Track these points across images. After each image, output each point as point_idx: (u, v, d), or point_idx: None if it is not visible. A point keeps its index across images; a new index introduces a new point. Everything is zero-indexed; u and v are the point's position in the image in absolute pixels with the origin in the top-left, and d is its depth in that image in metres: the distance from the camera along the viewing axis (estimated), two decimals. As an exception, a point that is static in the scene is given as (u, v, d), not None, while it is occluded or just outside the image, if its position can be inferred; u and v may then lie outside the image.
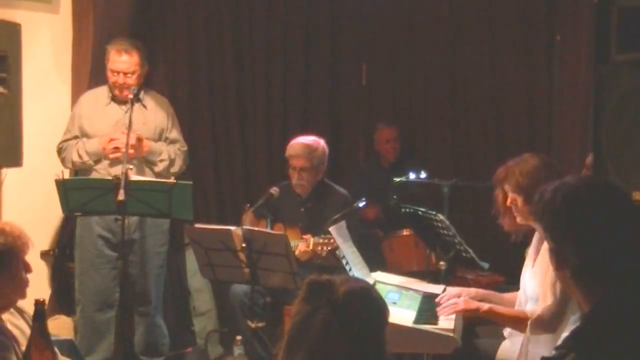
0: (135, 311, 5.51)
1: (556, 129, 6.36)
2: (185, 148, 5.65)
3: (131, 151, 5.04)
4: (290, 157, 5.59)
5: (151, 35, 5.99)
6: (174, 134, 5.62)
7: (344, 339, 2.13)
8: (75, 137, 5.43)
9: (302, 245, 5.22)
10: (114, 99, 5.47)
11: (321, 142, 5.63)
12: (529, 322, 3.65)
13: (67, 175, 5.00)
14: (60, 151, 5.48)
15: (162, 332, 5.61)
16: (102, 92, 5.49)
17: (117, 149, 5.19)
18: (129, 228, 5.31)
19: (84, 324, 5.42)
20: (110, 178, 4.70)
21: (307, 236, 5.21)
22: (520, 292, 3.98)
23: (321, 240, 5.07)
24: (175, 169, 5.54)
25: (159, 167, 5.44)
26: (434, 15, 7.03)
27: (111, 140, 5.24)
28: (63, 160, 5.45)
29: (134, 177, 4.72)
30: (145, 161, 5.41)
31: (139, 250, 5.44)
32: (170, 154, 5.49)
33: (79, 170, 5.51)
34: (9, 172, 5.30)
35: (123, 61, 5.40)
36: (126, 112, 5.31)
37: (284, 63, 7.03)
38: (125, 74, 5.39)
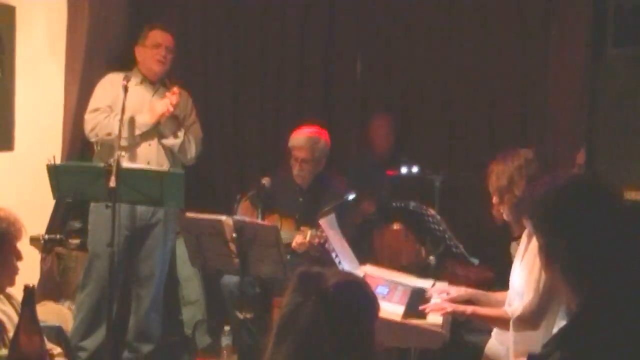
0: (136, 296, 5.56)
1: (550, 123, 6.35)
2: (201, 135, 5.76)
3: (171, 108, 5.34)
4: (292, 147, 5.60)
5: (147, 20, 5.95)
6: (192, 119, 5.73)
7: (332, 331, 2.13)
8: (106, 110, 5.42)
9: (299, 237, 5.22)
10: (143, 80, 5.54)
11: (324, 134, 5.65)
12: (511, 321, 3.68)
13: (58, 160, 4.97)
14: (90, 121, 5.42)
15: (156, 319, 5.63)
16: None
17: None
18: (147, 214, 5.43)
19: (86, 309, 5.42)
20: (102, 165, 4.68)
21: (305, 228, 5.21)
22: (510, 289, 3.99)
23: (318, 233, 5.07)
24: (192, 153, 5.63)
25: (172, 141, 5.52)
26: (429, 8, 7.00)
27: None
28: (94, 129, 5.39)
29: (126, 164, 4.71)
30: (159, 134, 5.48)
31: (153, 235, 5.51)
32: (187, 138, 5.59)
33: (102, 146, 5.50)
34: (0, 156, 5.27)
35: (166, 36, 5.56)
36: (153, 94, 5.51)
37: (279, 54, 7.00)
38: (167, 47, 5.53)
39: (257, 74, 6.96)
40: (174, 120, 5.53)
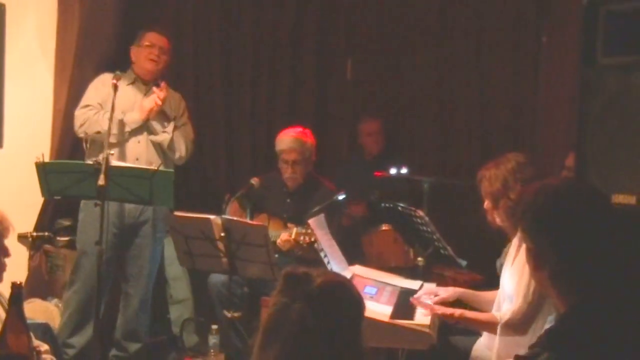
0: (124, 294, 5.55)
1: (541, 129, 6.36)
2: (192, 136, 5.75)
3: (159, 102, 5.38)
4: (281, 151, 5.59)
5: (138, 22, 5.95)
6: (184, 120, 5.72)
7: (319, 332, 2.12)
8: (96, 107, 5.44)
9: (284, 234, 5.22)
10: (136, 80, 5.57)
11: (308, 133, 5.66)
12: (499, 326, 3.69)
13: (47, 158, 4.96)
14: (80, 117, 5.43)
15: (144, 318, 5.62)
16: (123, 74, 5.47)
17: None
18: (135, 212, 5.43)
19: (74, 306, 5.41)
20: (91, 163, 4.68)
21: (291, 226, 5.22)
22: (500, 290, 4.00)
23: (304, 231, 5.08)
24: (181, 152, 5.60)
25: (161, 137, 5.51)
26: (422, 12, 7.01)
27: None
28: (83, 126, 5.40)
29: (115, 162, 4.71)
30: (148, 130, 5.48)
31: (142, 233, 5.50)
32: (175, 136, 5.57)
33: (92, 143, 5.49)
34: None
35: (160, 37, 5.60)
36: (145, 95, 5.51)
37: (271, 55, 7.01)
38: (161, 48, 5.56)
39: (249, 75, 6.96)
40: (163, 116, 5.54)
